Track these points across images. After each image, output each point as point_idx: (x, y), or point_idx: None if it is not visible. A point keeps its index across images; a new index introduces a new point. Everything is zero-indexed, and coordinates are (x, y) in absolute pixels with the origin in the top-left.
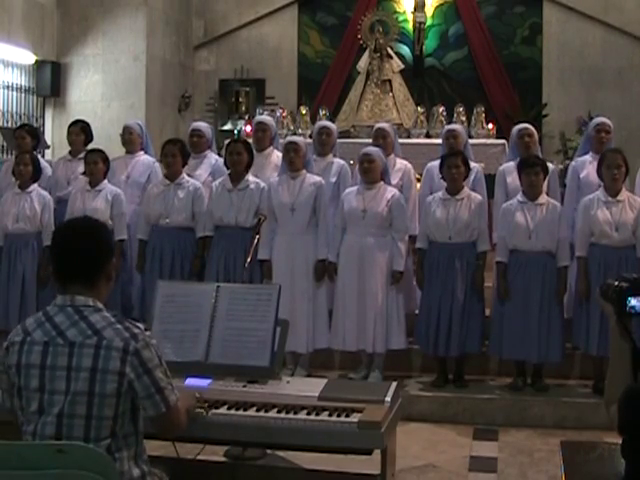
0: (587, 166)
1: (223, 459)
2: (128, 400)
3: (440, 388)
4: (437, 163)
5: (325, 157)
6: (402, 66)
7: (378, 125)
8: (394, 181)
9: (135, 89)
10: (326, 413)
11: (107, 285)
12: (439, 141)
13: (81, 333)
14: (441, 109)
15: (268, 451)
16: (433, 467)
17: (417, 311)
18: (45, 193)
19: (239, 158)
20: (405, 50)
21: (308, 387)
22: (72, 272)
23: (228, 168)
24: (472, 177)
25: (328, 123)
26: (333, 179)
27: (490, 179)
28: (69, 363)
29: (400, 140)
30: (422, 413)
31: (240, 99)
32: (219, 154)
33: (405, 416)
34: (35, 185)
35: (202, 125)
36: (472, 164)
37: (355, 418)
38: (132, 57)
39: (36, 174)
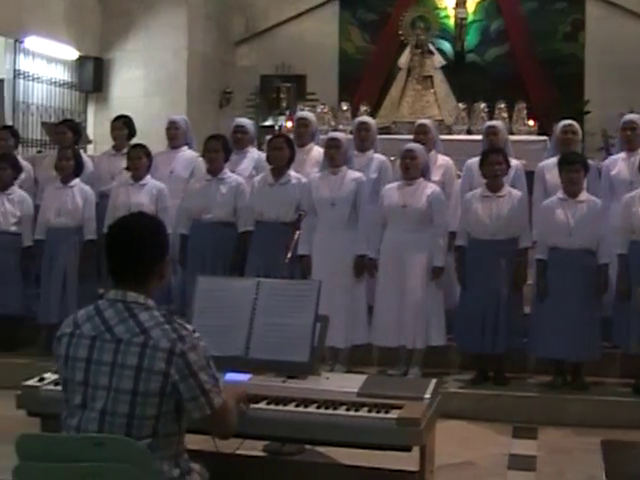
0: (618, 164)
1: (262, 454)
2: (172, 401)
3: (479, 385)
4: (477, 160)
5: (365, 153)
6: (443, 62)
7: (420, 121)
8: (436, 177)
9: (176, 85)
10: (365, 409)
11: (159, 282)
12: (480, 137)
13: (129, 331)
14: (482, 105)
15: (307, 447)
16: (471, 465)
17: (456, 307)
18: (87, 187)
19: (280, 153)
20: (446, 46)
21: (347, 383)
22: (125, 268)
23: (270, 163)
24: (512, 174)
25: (367, 118)
26: (374, 175)
27: (530, 176)
28: (114, 359)
29: (441, 136)
30: (460, 410)
31: (281, 95)
32: (260, 149)
33: (443, 413)
34: (77, 180)
35: (245, 121)
36: (512, 161)
37: (394, 414)
38: (173, 53)
39: (78, 169)
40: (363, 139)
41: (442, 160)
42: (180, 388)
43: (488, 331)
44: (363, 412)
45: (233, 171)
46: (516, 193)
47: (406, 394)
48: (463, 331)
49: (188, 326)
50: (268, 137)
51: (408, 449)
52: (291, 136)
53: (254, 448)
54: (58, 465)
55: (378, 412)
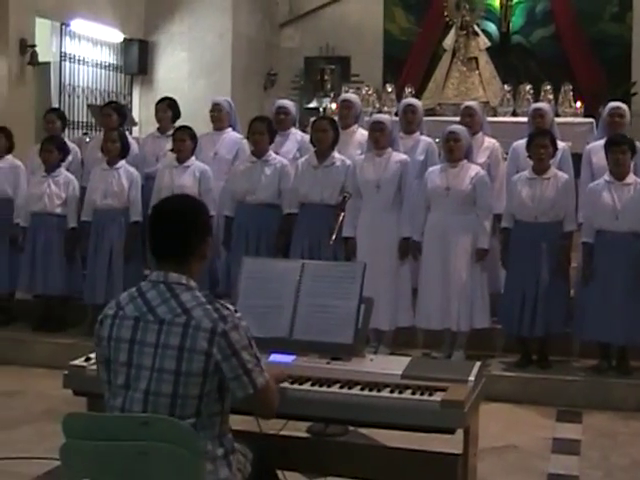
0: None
1: (306, 435)
2: (215, 380)
3: (523, 368)
4: (523, 142)
5: (412, 135)
6: (488, 43)
7: (466, 103)
8: (481, 159)
9: (221, 66)
10: (409, 391)
11: (200, 263)
12: (525, 120)
13: (171, 311)
14: (528, 87)
15: (350, 428)
16: (514, 448)
17: (501, 290)
18: (133, 169)
19: (325, 135)
20: (491, 27)
21: (391, 365)
22: (167, 250)
23: (314, 145)
24: (559, 156)
25: (414, 100)
26: (420, 157)
27: (576, 158)
28: (157, 340)
29: (486, 118)
30: (504, 393)
31: (325, 77)
32: (304, 131)
33: (487, 396)
34: (123, 162)
35: (287, 103)
36: (559, 143)
37: (438, 397)
38: (218, 35)
39: (124, 151)
40: (409, 121)
41: (488, 142)
42: (223, 367)
43: (527, 314)
44: (407, 394)
45: (277, 153)
46: (562, 176)
47: (450, 376)
48: (505, 313)
49: (229, 306)
50: (312, 119)
51: (452, 432)
52: (335, 118)
53: (298, 429)
54: (104, 444)
55: (422, 394)
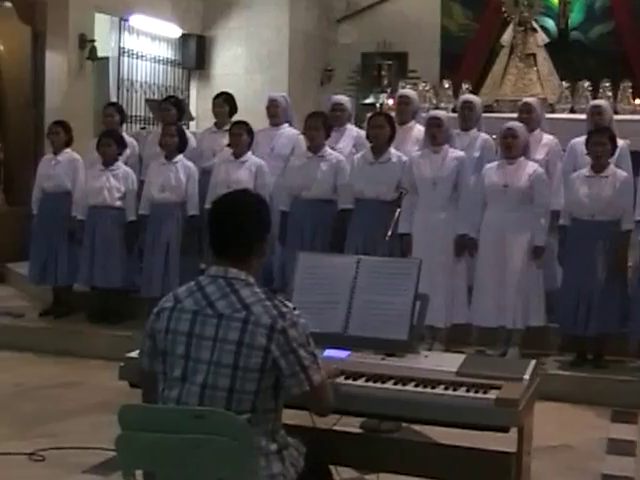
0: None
1: (359, 430)
2: (272, 377)
3: (578, 368)
4: (582, 139)
5: (469, 132)
6: (547, 40)
7: (525, 99)
8: (540, 156)
9: (278, 62)
10: (463, 389)
11: (259, 260)
12: (583, 117)
13: (230, 306)
14: (586, 84)
15: (403, 424)
16: (569, 448)
17: (558, 288)
18: (190, 164)
19: (381, 131)
20: (549, 24)
21: (446, 362)
22: (226, 245)
23: (370, 141)
24: (617, 154)
25: (472, 97)
26: (476, 153)
27: (635, 156)
28: (215, 334)
29: (545, 115)
30: (559, 392)
31: (382, 72)
32: (360, 127)
33: (542, 395)
34: (180, 156)
35: (343, 99)
36: (617, 141)
37: (493, 395)
38: (275, 30)
39: (182, 145)
40: (467, 118)
41: (546, 139)
42: (280, 364)
43: (583, 313)
44: (461, 391)
45: (332, 148)
46: (621, 174)
47: (505, 375)
48: (561, 312)
49: (288, 303)
50: (369, 115)
51: (506, 430)
52: (392, 114)
53: (351, 425)
54: (159, 435)
55: (476, 392)
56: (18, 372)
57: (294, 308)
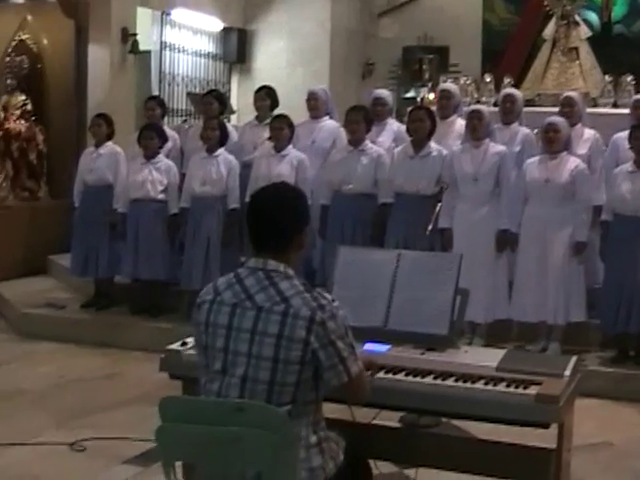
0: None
1: (398, 425)
2: (311, 368)
3: (620, 364)
4: (624, 134)
5: (510, 126)
6: (589, 33)
7: (566, 93)
8: (582, 151)
9: (319, 56)
10: (504, 384)
11: (298, 253)
12: (626, 111)
13: (269, 299)
14: (629, 78)
15: (443, 419)
16: (610, 445)
17: (599, 285)
18: (231, 157)
19: (421, 125)
20: (592, 17)
21: (486, 357)
22: (265, 238)
23: (410, 135)
24: None
25: (513, 91)
26: (517, 148)
27: None
28: (254, 327)
29: (586, 110)
30: (600, 389)
31: (423, 67)
32: (401, 121)
33: (582, 391)
34: (222, 149)
35: (384, 93)
36: None
37: (533, 391)
38: (317, 24)
39: (223, 139)
40: (508, 112)
41: (588, 134)
42: (319, 356)
43: (624, 309)
44: (501, 387)
45: (373, 142)
46: None
47: (546, 370)
48: (602, 308)
49: (327, 295)
50: (409, 109)
51: (546, 426)
52: (433, 108)
53: (390, 419)
54: (199, 428)
55: (517, 387)
56: (60, 363)
57: (333, 300)
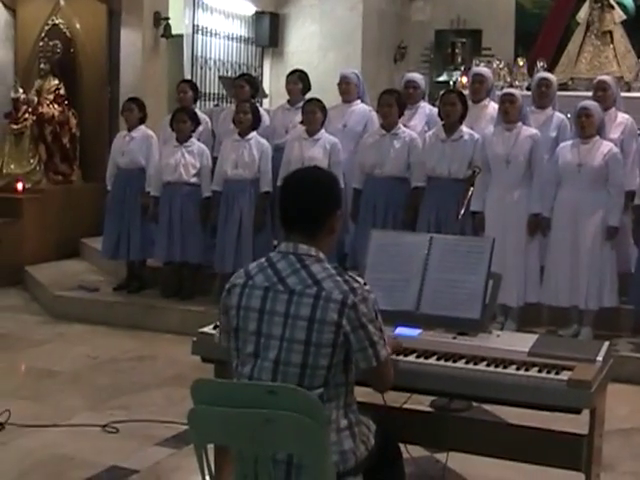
0: None
1: (429, 409)
2: (342, 351)
3: None
4: None
5: (544, 110)
6: (624, 17)
7: (600, 77)
8: (614, 135)
9: (351, 39)
10: (535, 369)
11: (330, 237)
12: None
13: (301, 282)
14: None
15: (474, 404)
16: None
17: (632, 270)
18: (264, 141)
19: (453, 108)
20: (627, 0)
21: (518, 342)
22: (296, 222)
23: (442, 119)
24: None
25: (548, 74)
26: (553, 133)
27: None
28: (287, 310)
29: (621, 94)
30: (632, 375)
31: (456, 50)
32: (433, 105)
33: (614, 377)
34: (254, 133)
35: (417, 76)
36: None
37: (565, 376)
38: (348, 7)
39: (255, 122)
40: (543, 95)
41: (622, 118)
42: (350, 339)
43: None
44: (533, 372)
45: (406, 126)
46: None
47: (578, 355)
48: (635, 293)
49: (359, 278)
50: (441, 92)
51: (578, 411)
52: (466, 92)
53: (421, 403)
54: (231, 410)
55: (548, 372)
56: (93, 345)
57: (365, 283)
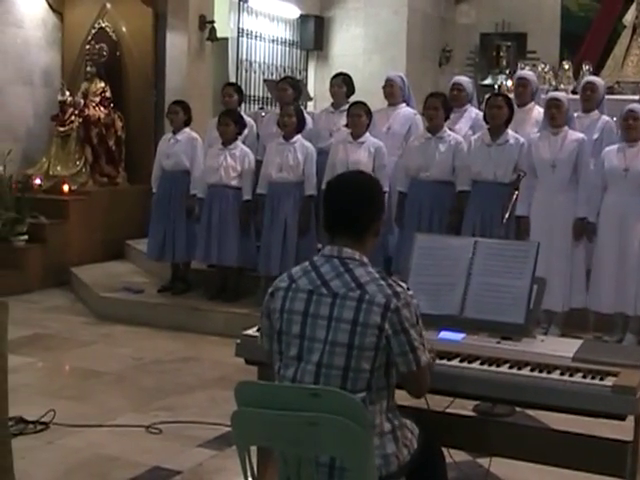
0: None
1: (472, 414)
2: (384, 355)
3: None
4: None
5: (590, 113)
6: None
7: None
8: None
9: (396, 42)
10: (580, 375)
11: (373, 240)
12: None
13: (345, 285)
14: None
15: (517, 409)
16: None
17: None
18: (308, 144)
19: (499, 112)
20: None
21: (562, 347)
22: (341, 225)
23: (487, 122)
24: None
25: (594, 78)
26: (595, 135)
27: None
28: (330, 313)
29: None
30: None
31: (501, 53)
32: (479, 108)
33: None
34: (299, 136)
35: (463, 79)
36: None
37: (609, 382)
38: (393, 11)
39: (300, 125)
40: (589, 99)
41: None
42: (392, 342)
43: None
44: (577, 377)
45: (451, 129)
46: None
47: (623, 361)
48: None
49: (402, 283)
50: (486, 96)
51: (622, 418)
52: (510, 95)
53: (464, 407)
54: (274, 412)
55: (593, 378)
56: (137, 346)
57: (408, 288)
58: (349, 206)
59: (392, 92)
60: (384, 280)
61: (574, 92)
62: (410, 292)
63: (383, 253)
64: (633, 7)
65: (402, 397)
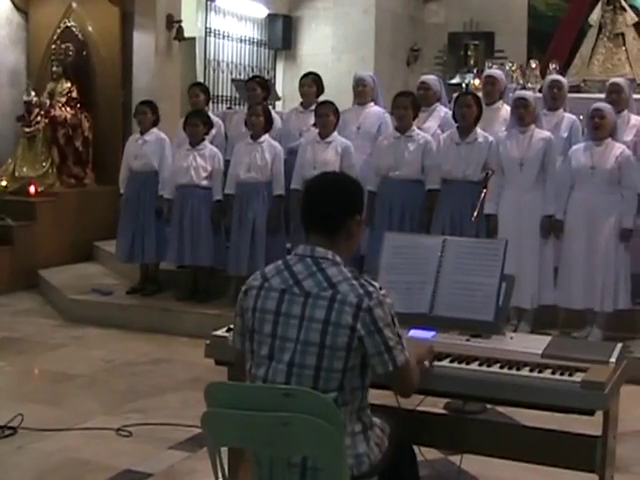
0: None
1: (443, 411)
2: (358, 355)
3: None
4: None
5: (556, 112)
6: (636, 19)
7: (613, 80)
8: (628, 137)
9: (365, 42)
10: (549, 371)
11: (349, 241)
12: None
13: (317, 285)
14: None
15: (488, 406)
16: None
17: None
18: (276, 144)
19: (468, 111)
20: (639, 2)
21: (532, 344)
22: (315, 224)
23: (456, 121)
24: None
25: (559, 77)
26: (564, 134)
27: None
28: (302, 312)
29: (634, 96)
30: None
31: (469, 52)
32: (448, 107)
33: (628, 379)
34: (266, 136)
35: (430, 78)
36: None
37: (578, 377)
38: (362, 10)
39: (268, 125)
40: (554, 97)
41: (635, 120)
42: (365, 343)
43: None
44: (547, 374)
45: (420, 128)
46: None
47: (591, 357)
48: None
49: (375, 283)
50: (455, 95)
51: (591, 413)
52: (479, 94)
53: (435, 405)
54: (246, 413)
55: (562, 374)
56: (108, 349)
57: (380, 288)
58: (323, 205)
59: (364, 92)
60: (357, 280)
61: (541, 91)
62: (383, 291)
63: (355, 253)
64: (599, 7)
65: (373, 396)
